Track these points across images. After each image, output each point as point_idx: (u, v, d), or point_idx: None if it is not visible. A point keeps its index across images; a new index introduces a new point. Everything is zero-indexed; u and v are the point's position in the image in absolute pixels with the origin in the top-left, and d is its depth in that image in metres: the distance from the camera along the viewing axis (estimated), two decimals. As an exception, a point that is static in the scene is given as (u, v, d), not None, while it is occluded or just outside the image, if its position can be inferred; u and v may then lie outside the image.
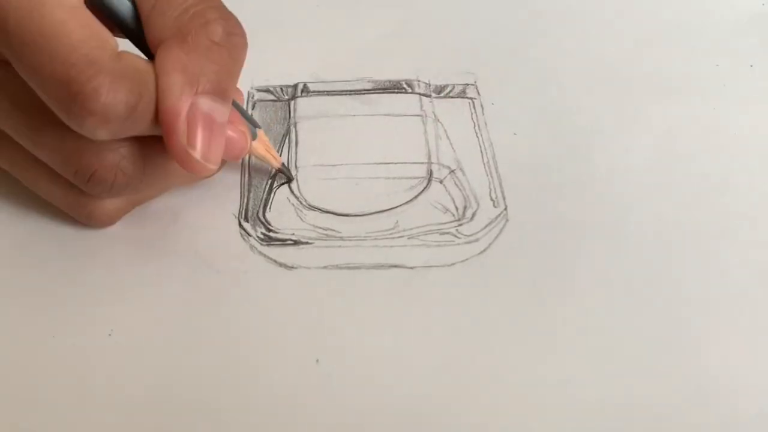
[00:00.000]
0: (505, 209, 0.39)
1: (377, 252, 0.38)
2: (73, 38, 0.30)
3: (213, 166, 0.33)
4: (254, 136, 0.38)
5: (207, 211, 0.39)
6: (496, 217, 0.39)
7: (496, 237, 0.38)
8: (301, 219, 0.39)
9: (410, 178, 0.41)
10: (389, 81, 0.45)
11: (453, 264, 0.37)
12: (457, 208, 0.39)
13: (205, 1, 0.33)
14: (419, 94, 0.45)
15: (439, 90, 0.45)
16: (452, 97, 0.45)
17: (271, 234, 0.38)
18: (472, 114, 0.44)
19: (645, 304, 0.36)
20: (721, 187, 0.41)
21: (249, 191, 0.40)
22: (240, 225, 0.38)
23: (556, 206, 0.40)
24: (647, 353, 0.35)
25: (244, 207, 0.39)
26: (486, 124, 0.43)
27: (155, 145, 0.33)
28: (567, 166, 0.41)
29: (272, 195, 0.40)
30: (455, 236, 0.38)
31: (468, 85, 0.46)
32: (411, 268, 0.37)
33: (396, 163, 0.41)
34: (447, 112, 0.44)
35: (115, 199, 0.37)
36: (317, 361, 0.34)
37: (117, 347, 0.35)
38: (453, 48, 0.48)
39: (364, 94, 0.45)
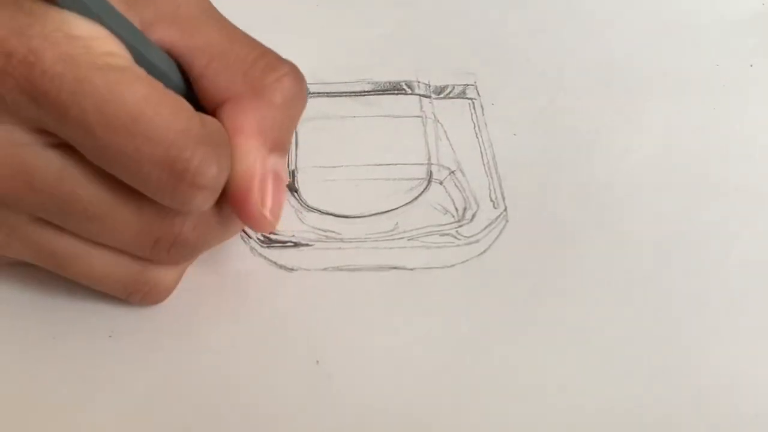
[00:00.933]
0: (505, 210, 0.39)
1: (377, 254, 0.38)
2: (165, 114, 0.27)
3: (277, 222, 0.32)
4: None
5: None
6: (496, 218, 0.39)
7: (496, 238, 0.38)
8: (301, 221, 0.39)
9: (410, 179, 0.41)
10: (389, 82, 0.45)
11: (453, 265, 0.37)
12: (456, 210, 0.40)
13: (268, 53, 0.32)
14: (419, 95, 0.45)
15: (439, 91, 0.45)
16: (452, 98, 0.45)
17: (271, 236, 0.38)
18: (472, 115, 0.44)
19: (645, 305, 0.36)
20: (721, 187, 0.41)
21: (249, 193, 0.40)
22: (240, 227, 0.39)
23: (556, 207, 0.40)
24: (647, 354, 0.35)
25: (244, 208, 0.39)
26: (486, 124, 0.43)
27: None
28: (567, 167, 0.41)
29: None
30: (455, 237, 0.38)
31: (468, 85, 0.46)
32: (411, 269, 0.37)
33: (396, 165, 0.41)
34: (447, 113, 0.44)
35: (177, 269, 0.35)
36: (317, 362, 0.34)
37: (117, 349, 0.35)
38: (453, 49, 0.47)
39: (363, 95, 0.45)
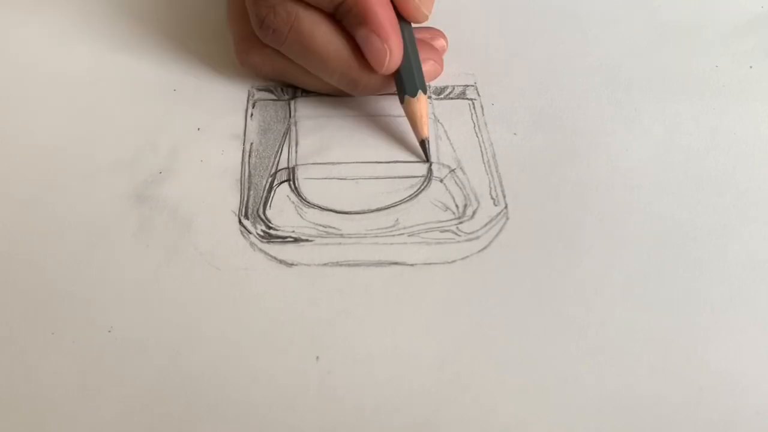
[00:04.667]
0: (506, 207, 0.39)
1: (377, 249, 0.38)
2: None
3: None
4: (414, 94, 0.42)
5: (207, 209, 0.39)
6: (497, 215, 0.39)
7: (497, 235, 0.38)
8: (301, 216, 0.39)
9: (410, 177, 0.41)
10: None
11: (453, 261, 0.37)
12: (457, 206, 0.40)
13: None
14: None
15: (439, 92, 0.45)
16: (452, 99, 0.45)
17: (271, 231, 0.38)
18: (472, 115, 0.44)
19: (644, 302, 0.36)
20: (720, 187, 0.41)
21: (249, 189, 0.40)
22: (240, 222, 0.39)
23: (555, 205, 0.40)
24: (646, 350, 0.35)
25: (244, 204, 0.39)
26: (486, 124, 0.43)
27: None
28: (566, 166, 0.41)
29: (272, 193, 0.40)
30: (456, 234, 0.38)
31: (468, 86, 0.46)
32: (411, 265, 0.37)
33: (396, 162, 0.41)
34: (447, 113, 0.44)
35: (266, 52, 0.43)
36: (317, 358, 0.34)
37: (117, 344, 0.35)
38: (453, 50, 0.47)
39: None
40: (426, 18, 0.43)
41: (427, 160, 0.42)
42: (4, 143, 0.42)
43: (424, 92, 0.42)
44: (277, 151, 0.41)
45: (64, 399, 0.33)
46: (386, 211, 0.39)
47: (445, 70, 0.46)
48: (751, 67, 0.47)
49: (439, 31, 0.47)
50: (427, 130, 0.42)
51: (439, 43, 0.46)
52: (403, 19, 0.42)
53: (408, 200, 0.40)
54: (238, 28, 0.45)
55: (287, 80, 0.45)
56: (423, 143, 0.42)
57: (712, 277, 0.37)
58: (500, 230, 0.39)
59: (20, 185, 0.39)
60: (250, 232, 0.38)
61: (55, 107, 0.44)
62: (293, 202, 0.39)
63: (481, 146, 0.42)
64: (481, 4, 0.51)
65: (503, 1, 0.51)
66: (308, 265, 0.37)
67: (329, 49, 0.41)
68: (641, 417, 0.33)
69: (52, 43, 0.48)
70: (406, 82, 0.42)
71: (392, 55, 0.41)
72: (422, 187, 0.40)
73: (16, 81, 0.46)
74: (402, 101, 0.42)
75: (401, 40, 0.41)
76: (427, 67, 0.43)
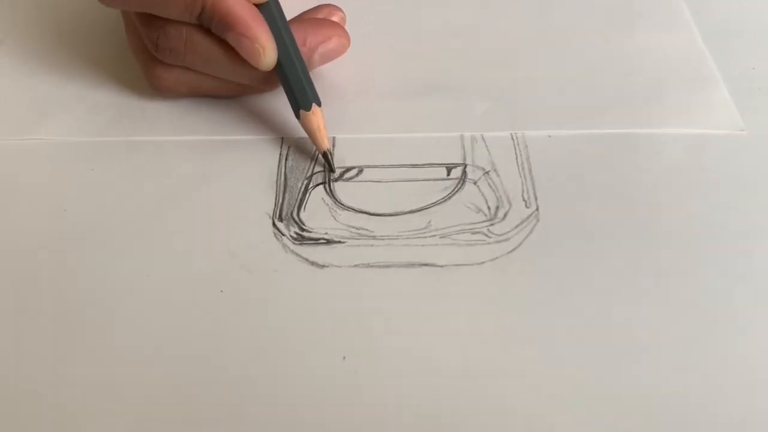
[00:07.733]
0: (537, 209, 0.40)
1: (408, 251, 0.38)
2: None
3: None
4: (308, 108, 0.41)
5: (241, 211, 0.40)
6: (528, 217, 0.39)
7: (527, 236, 0.38)
8: (335, 218, 0.40)
9: (445, 179, 0.41)
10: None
11: (483, 263, 0.38)
12: (489, 208, 0.40)
13: None
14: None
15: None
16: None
17: (305, 233, 0.39)
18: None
19: (674, 306, 0.36)
20: (750, 188, 0.41)
21: (284, 191, 0.41)
22: (274, 224, 0.39)
23: (587, 207, 0.40)
24: (675, 353, 0.34)
25: (279, 207, 0.40)
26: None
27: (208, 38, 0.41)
28: (599, 168, 0.41)
29: (307, 195, 0.41)
30: (486, 236, 0.39)
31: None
32: (441, 266, 0.38)
33: (431, 165, 0.42)
34: (485, 115, 0.45)
35: (174, 72, 0.43)
36: (344, 358, 0.35)
37: (147, 345, 0.35)
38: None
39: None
40: None
41: (332, 170, 0.42)
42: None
43: (318, 104, 0.42)
44: (314, 154, 0.42)
45: (92, 395, 0.34)
46: (419, 213, 0.40)
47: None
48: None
49: (332, 5, 0.46)
50: (327, 142, 0.42)
51: (337, 16, 0.46)
52: (286, 29, 0.42)
53: (441, 202, 0.40)
54: (142, 56, 0.44)
55: (204, 93, 0.45)
56: (326, 155, 0.42)
57: (740, 278, 0.37)
58: (530, 232, 0.39)
59: (37, 187, 0.40)
60: (284, 234, 0.39)
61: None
62: (327, 205, 0.40)
63: (516, 148, 0.43)
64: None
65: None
66: (339, 266, 0.38)
67: (229, 49, 0.41)
68: (666, 416, 0.33)
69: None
70: (299, 97, 0.42)
71: (266, 51, 0.41)
72: (456, 189, 0.41)
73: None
74: (297, 116, 0.42)
75: (269, 33, 0.41)
76: (333, 44, 0.44)
